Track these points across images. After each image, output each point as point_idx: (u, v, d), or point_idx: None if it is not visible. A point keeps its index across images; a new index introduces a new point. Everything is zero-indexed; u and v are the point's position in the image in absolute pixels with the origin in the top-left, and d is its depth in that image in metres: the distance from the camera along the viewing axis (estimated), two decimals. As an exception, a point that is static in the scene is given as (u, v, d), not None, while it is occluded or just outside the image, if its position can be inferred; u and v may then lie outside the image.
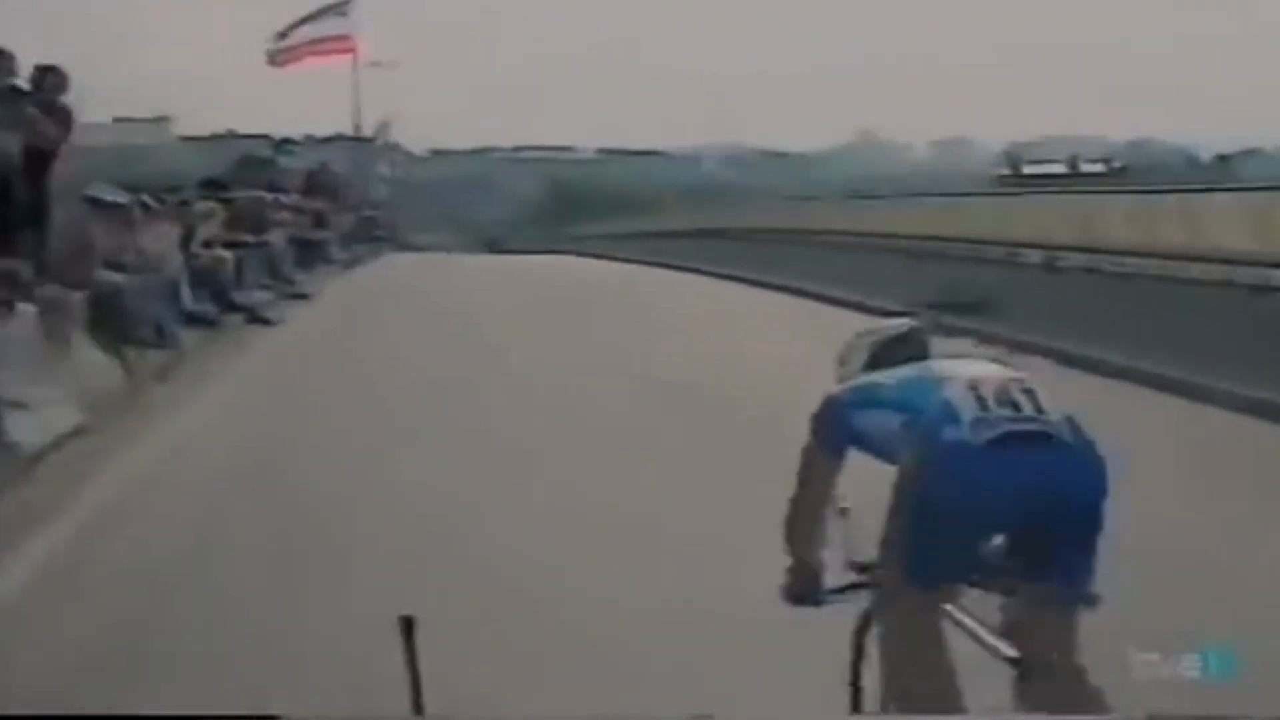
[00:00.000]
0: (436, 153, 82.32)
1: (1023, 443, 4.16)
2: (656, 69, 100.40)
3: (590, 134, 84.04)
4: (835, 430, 4.43)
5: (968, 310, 20.00)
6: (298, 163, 31.70)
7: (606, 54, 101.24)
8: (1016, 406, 4.23)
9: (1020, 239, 23.01)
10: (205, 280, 17.45)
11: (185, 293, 15.79)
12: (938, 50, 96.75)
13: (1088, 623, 4.39)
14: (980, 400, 4.22)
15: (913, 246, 25.92)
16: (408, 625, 3.00)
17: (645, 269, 38.39)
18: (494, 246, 57.97)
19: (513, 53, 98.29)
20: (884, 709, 4.33)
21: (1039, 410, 4.23)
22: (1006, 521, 4.25)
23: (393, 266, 35.22)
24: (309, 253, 26.64)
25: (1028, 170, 76.15)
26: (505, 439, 11.40)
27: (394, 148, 64.89)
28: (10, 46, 13.47)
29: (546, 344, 17.24)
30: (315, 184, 30.96)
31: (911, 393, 4.33)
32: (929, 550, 4.20)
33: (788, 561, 4.55)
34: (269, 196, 24.48)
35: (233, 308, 18.17)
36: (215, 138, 54.09)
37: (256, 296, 19.93)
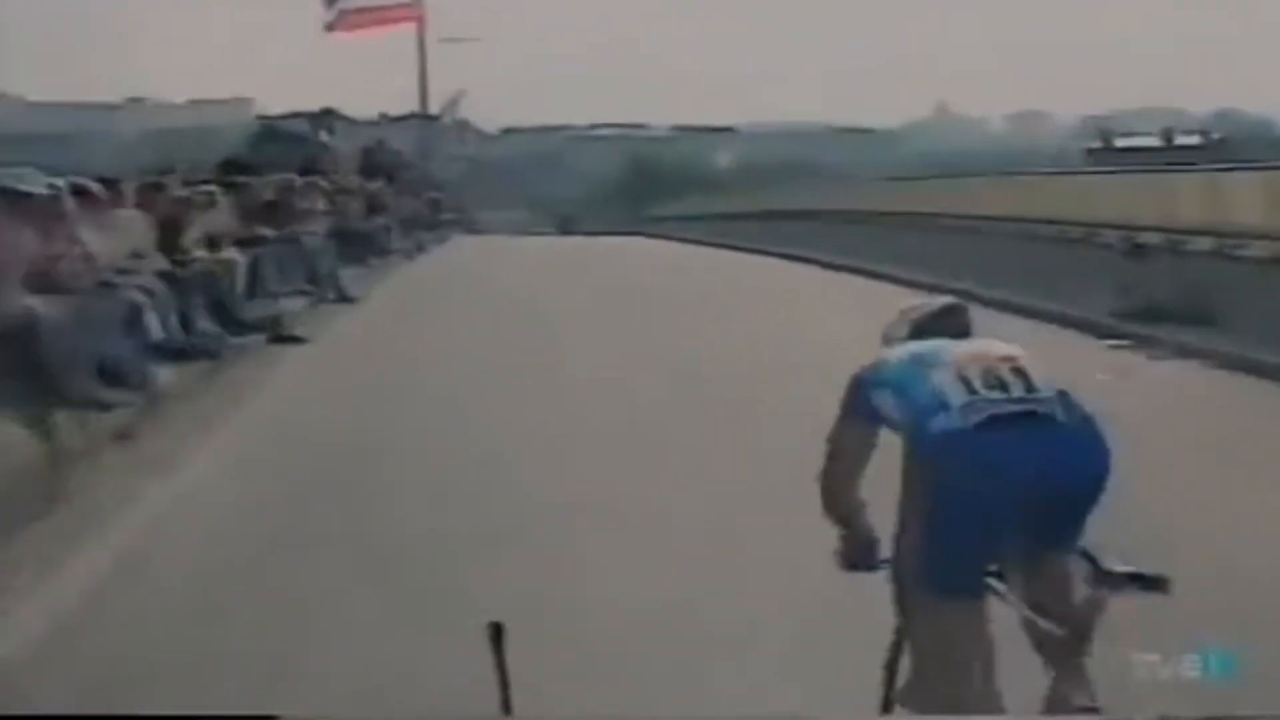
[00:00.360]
0: (508, 130, 79.26)
1: (1013, 424, 3.99)
2: (731, 45, 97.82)
3: (664, 111, 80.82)
4: (857, 406, 4.27)
5: (1178, 319, 15.25)
6: (343, 142, 26.80)
7: (681, 30, 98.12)
8: (1005, 387, 4.06)
9: (1164, 222, 18.33)
10: (202, 292, 12.42)
11: (151, 318, 10.37)
12: (1012, 24, 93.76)
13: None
14: (968, 385, 4.06)
15: (1025, 230, 21.80)
16: (496, 631, 2.89)
17: (729, 254, 33.90)
18: (567, 227, 53.91)
19: (585, 28, 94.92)
20: (902, 704, 4.15)
21: (1029, 389, 4.06)
22: (1011, 505, 4.02)
23: (459, 253, 30.58)
24: (360, 245, 21.92)
25: (1120, 143, 71.69)
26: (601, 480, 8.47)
27: (464, 125, 60.62)
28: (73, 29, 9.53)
29: (633, 349, 13.90)
30: (371, 164, 26.27)
31: (906, 375, 4.18)
32: (944, 556, 4.01)
33: (839, 531, 4.35)
34: (299, 180, 19.16)
35: (244, 327, 13.21)
36: (291, 116, 50.56)
37: (284, 306, 14.93)
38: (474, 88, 62.13)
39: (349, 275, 20.39)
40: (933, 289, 20.79)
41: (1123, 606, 4.08)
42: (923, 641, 4.13)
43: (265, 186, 16.43)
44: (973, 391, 4.07)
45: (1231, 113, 79.37)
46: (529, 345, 14.30)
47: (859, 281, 22.85)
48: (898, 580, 4.23)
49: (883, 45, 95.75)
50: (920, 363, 4.22)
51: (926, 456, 4.08)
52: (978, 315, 4.63)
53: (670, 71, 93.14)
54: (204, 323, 12.25)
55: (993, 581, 4.12)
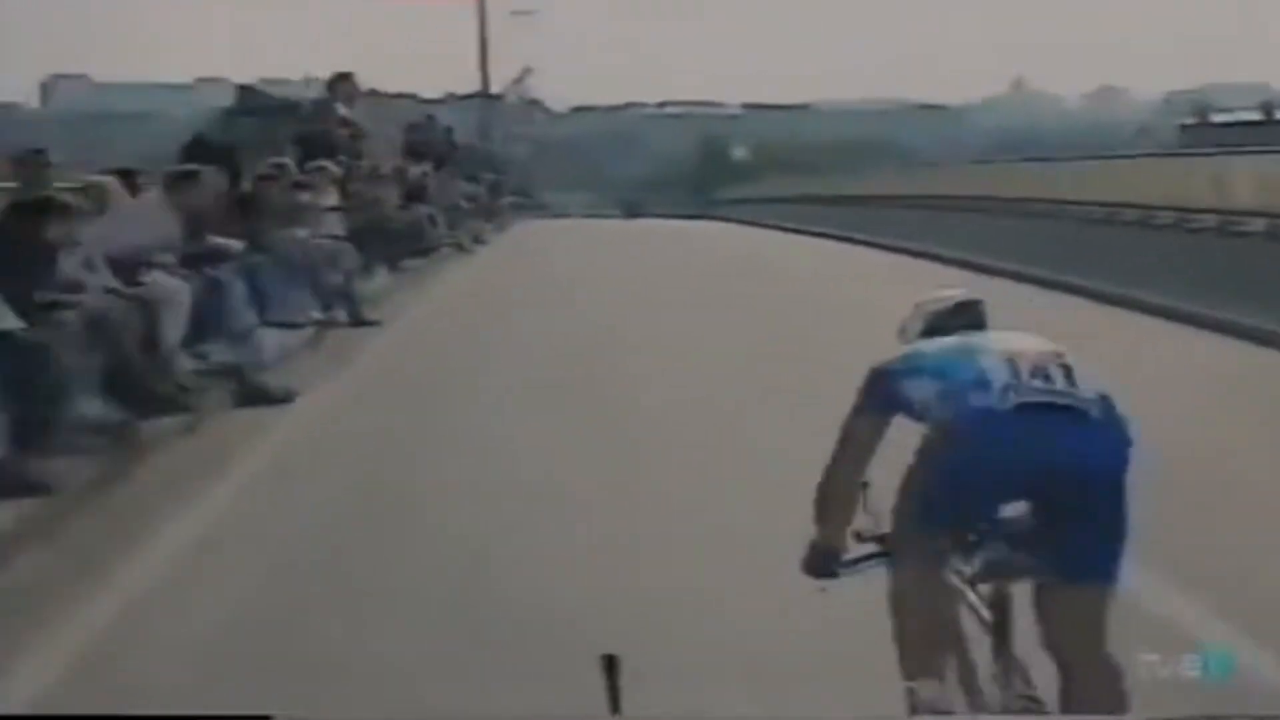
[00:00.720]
0: (578, 109, 74.92)
1: (1049, 414, 3.92)
2: (804, 22, 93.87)
3: (736, 88, 76.69)
4: (879, 397, 4.16)
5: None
6: (381, 120, 21.68)
7: (752, 7, 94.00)
8: (1049, 379, 3.98)
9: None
10: (89, 350, 7.23)
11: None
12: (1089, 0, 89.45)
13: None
14: (1014, 370, 4.00)
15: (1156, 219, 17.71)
16: (610, 664, 2.77)
17: (813, 241, 29.53)
18: (633, 211, 49.70)
19: (659, 7, 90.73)
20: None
21: (1072, 384, 3.98)
22: (1023, 488, 3.99)
23: (518, 247, 25.77)
24: (396, 242, 17.26)
25: (1217, 118, 66.23)
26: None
27: (532, 103, 55.88)
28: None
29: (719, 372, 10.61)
30: (415, 145, 21.42)
31: (949, 361, 4.11)
32: (940, 502, 3.99)
33: (813, 534, 4.22)
34: (297, 167, 13.75)
35: (158, 403, 7.88)
36: (280, 82, 47.01)
37: (257, 350, 9.81)
38: (543, 65, 57.66)
39: (376, 286, 15.51)
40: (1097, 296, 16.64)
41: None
42: (899, 597, 4.03)
43: (233, 177, 11.28)
44: (1017, 376, 3.99)
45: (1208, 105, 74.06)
46: (601, 396, 9.77)
47: (959, 277, 17.80)
48: (898, 551, 4.06)
49: (957, 21, 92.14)
50: (964, 349, 4.13)
51: (957, 423, 3.97)
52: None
53: (742, 48, 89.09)
54: (80, 405, 6.96)
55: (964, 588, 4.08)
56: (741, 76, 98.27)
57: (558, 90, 60.25)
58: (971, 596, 4.19)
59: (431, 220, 19.73)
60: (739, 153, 55.56)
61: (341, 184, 14.91)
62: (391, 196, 17.76)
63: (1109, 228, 19.14)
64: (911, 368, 4.19)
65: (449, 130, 25.51)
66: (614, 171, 63.69)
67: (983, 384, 3.98)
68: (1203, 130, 63.22)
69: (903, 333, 4.41)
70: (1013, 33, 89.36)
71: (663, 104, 77.38)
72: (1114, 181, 20.87)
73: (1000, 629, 4.13)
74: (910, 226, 26.49)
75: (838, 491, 4.25)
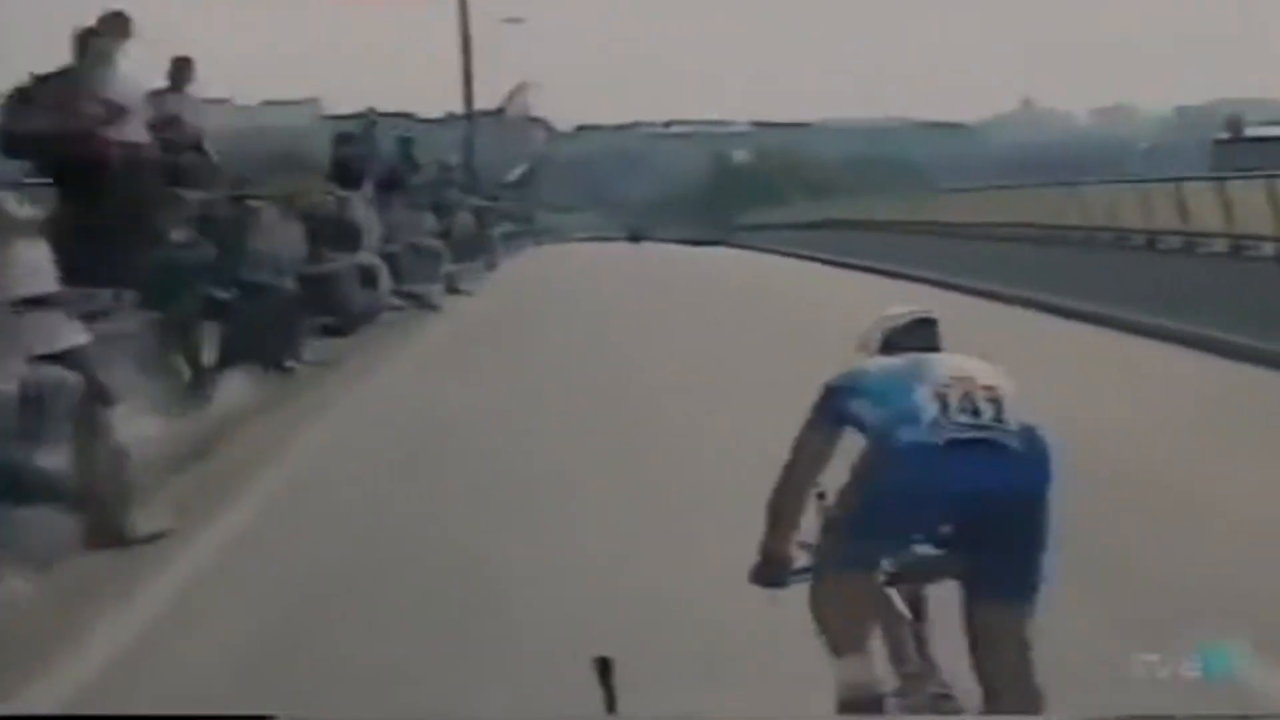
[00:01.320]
0: (583, 127, 68.98)
1: (973, 448, 3.94)
2: (811, 38, 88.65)
3: (743, 106, 71.17)
4: (829, 413, 4.14)
5: None
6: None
7: (758, 22, 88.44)
8: (977, 413, 3.98)
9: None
10: None
11: None
12: (1098, 16, 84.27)
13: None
14: (944, 405, 3.99)
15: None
16: (604, 666, 2.80)
17: (851, 276, 23.84)
18: (638, 235, 43.76)
19: (662, 22, 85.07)
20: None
21: (998, 418, 3.99)
22: (946, 515, 4.02)
23: (504, 298, 19.22)
24: (278, 322, 9.99)
25: (1252, 133, 60.21)
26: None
27: (533, 121, 49.46)
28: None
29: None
30: (345, 166, 14.61)
31: (888, 386, 4.09)
32: (866, 523, 4.00)
33: (762, 542, 4.18)
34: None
35: None
36: (356, 116, 41.89)
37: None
38: (542, 79, 51.51)
39: (232, 405, 8.94)
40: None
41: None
42: (823, 612, 4.05)
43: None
44: (945, 412, 4.01)
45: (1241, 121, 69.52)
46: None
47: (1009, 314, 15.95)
48: (824, 567, 4.10)
49: (965, 37, 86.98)
50: (903, 375, 4.13)
51: (886, 456, 4.01)
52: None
53: (749, 66, 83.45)
54: None
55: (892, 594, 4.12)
56: (748, 93, 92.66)
57: (560, 107, 53.65)
58: (896, 602, 4.18)
59: (367, 274, 13.39)
60: (753, 173, 48.84)
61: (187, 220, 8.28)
62: (291, 239, 11.02)
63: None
64: (856, 386, 4.19)
65: (406, 143, 18.64)
66: (620, 192, 57.83)
67: (913, 417, 3.99)
68: (1237, 146, 56.90)
69: (863, 346, 4.38)
70: (1021, 49, 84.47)
71: (669, 123, 71.70)
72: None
73: (919, 632, 4.17)
74: (940, 256, 22.47)
75: (787, 503, 4.26)
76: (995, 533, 3.98)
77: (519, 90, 41.51)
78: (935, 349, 4.26)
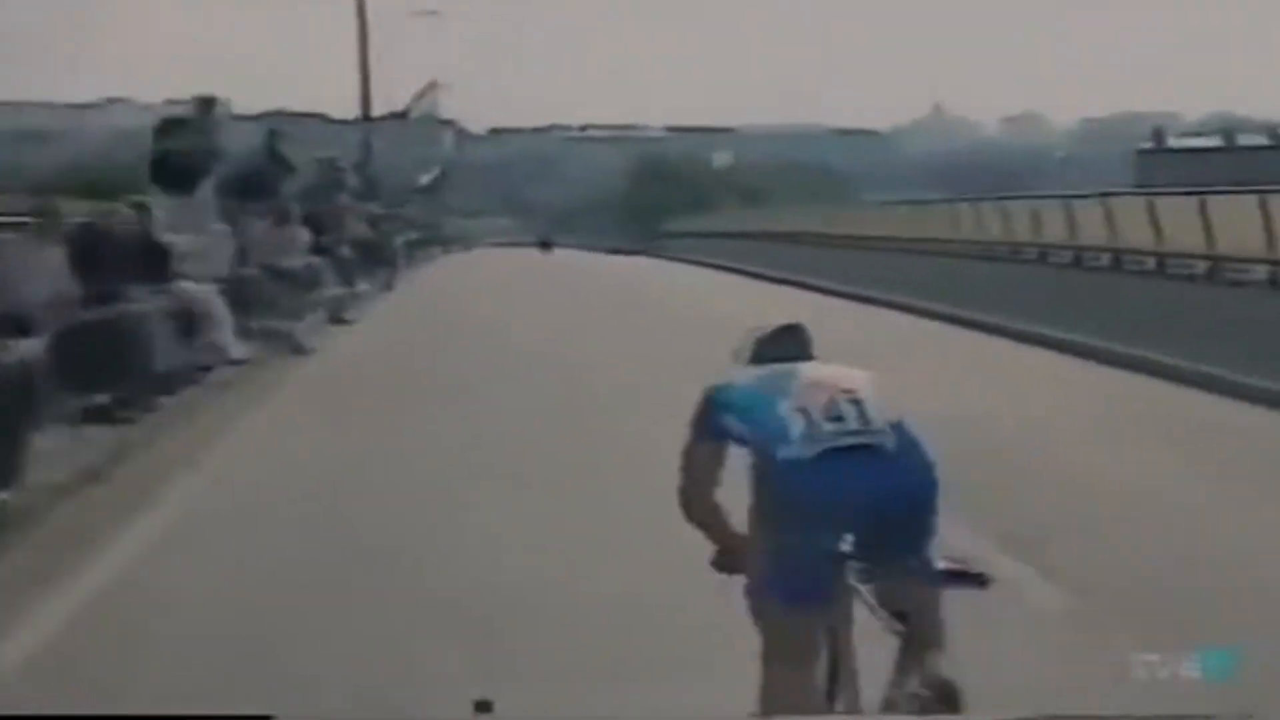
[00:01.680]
0: (496, 130, 65.51)
1: (847, 455, 3.83)
2: (728, 44, 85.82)
3: (659, 111, 68.42)
4: (705, 426, 3.98)
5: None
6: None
7: (673, 26, 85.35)
8: (842, 419, 3.87)
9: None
10: None
11: None
12: (1008, 26, 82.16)
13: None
14: (807, 416, 3.88)
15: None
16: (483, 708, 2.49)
17: (775, 290, 20.99)
18: (547, 244, 40.28)
19: (575, 27, 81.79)
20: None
21: (864, 421, 3.88)
22: (844, 524, 3.86)
23: (401, 315, 15.54)
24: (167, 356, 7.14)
25: (1175, 144, 57.79)
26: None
27: (444, 123, 45.71)
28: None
29: None
30: (169, 168, 10.63)
31: (753, 400, 3.95)
32: (786, 567, 3.88)
33: (709, 538, 4.03)
34: None
35: None
36: (266, 116, 38.57)
37: None
38: (451, 80, 47.83)
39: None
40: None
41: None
42: (768, 644, 3.95)
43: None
44: (811, 423, 3.90)
45: (1226, 115, 68.53)
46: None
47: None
48: (749, 586, 3.99)
49: (876, 46, 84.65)
50: (765, 390, 3.98)
51: (771, 480, 3.90)
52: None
53: (664, 71, 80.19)
54: None
55: (854, 584, 3.94)
56: (664, 99, 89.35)
57: (472, 109, 49.90)
58: (818, 603, 4.02)
59: (184, 315, 9.05)
60: (676, 179, 45.23)
61: None
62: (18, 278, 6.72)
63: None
64: (725, 402, 4.02)
65: (273, 137, 14.46)
66: (535, 198, 54.36)
67: (783, 433, 3.88)
68: (1161, 157, 54.33)
69: (736, 357, 4.17)
70: (931, 57, 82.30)
71: (585, 126, 68.49)
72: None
73: (843, 633, 4.06)
74: (873, 270, 20.41)
75: (696, 512, 4.13)
76: (889, 528, 3.96)
77: (428, 90, 37.63)
78: (805, 357, 4.18)
